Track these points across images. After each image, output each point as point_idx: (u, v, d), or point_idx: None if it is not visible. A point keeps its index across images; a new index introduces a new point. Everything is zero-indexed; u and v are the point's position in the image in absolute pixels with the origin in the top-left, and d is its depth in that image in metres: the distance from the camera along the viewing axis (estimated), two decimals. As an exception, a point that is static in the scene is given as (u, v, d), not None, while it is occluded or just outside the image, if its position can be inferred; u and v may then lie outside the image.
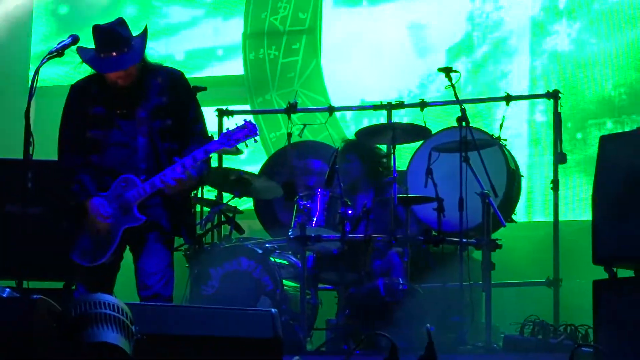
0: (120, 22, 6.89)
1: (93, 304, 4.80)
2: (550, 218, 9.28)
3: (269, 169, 9.71)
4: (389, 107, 9.81)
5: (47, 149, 6.96)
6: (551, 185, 9.16)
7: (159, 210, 6.89)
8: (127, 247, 7.01)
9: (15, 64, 12.23)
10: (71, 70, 7.23)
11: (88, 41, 6.84)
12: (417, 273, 8.60)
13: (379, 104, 10.03)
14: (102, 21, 6.95)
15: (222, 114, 10.20)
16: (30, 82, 6.75)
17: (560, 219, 9.13)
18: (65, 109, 7.04)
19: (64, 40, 6.80)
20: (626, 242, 6.76)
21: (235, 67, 12.23)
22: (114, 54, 6.78)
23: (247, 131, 7.00)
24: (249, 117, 9.27)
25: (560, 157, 9.10)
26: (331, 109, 10.34)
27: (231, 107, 10.36)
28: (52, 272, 7.53)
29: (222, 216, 9.44)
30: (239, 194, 9.47)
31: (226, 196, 9.61)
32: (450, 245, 8.78)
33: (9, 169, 7.99)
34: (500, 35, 11.43)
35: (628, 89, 10.92)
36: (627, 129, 8.75)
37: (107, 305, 4.80)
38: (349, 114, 11.40)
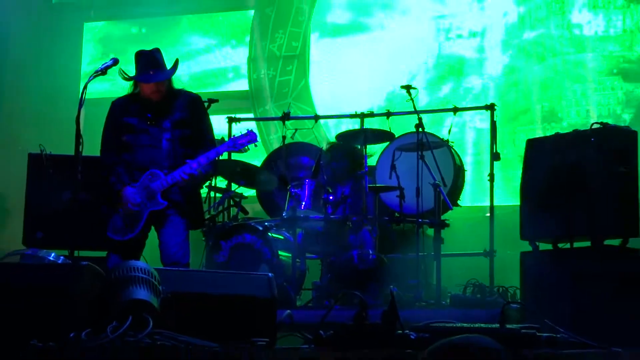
0: (157, 50, 7.09)
1: (129, 268, 4.81)
2: (487, 203, 9.27)
3: (268, 163, 9.69)
4: (362, 116, 9.78)
5: (93, 148, 7.01)
6: (488, 178, 9.15)
7: (177, 196, 6.94)
8: (152, 227, 7.06)
9: (68, 81, 12.20)
10: (112, 86, 7.29)
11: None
12: (383, 246, 8.60)
13: (354, 113, 10.00)
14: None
15: (231, 120, 10.15)
16: (80, 95, 6.74)
17: (495, 203, 9.11)
18: (107, 118, 7.14)
19: (106, 62, 6.86)
20: (545, 223, 6.78)
21: (242, 84, 12.21)
22: (151, 72, 6.91)
23: (250, 138, 7.15)
24: (252, 124, 9.29)
25: (494, 156, 9.08)
26: (316, 117, 10.32)
27: (238, 116, 10.31)
28: (96, 244, 7.51)
29: (231, 201, 9.44)
30: (244, 184, 9.53)
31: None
32: (409, 224, 8.78)
33: (63, 163, 7.99)
34: (450, 61, 11.43)
35: (548, 103, 10.95)
36: (548, 134, 8.73)
37: (140, 269, 4.81)
38: (330, 121, 11.38)
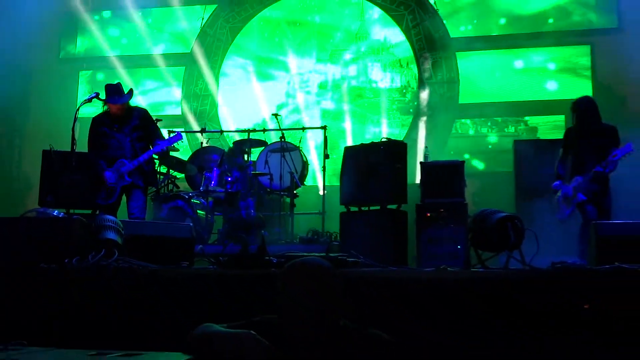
0: (119, 84, 6.92)
1: (104, 219, 4.69)
2: (321, 184, 9.35)
3: (191, 159, 9.55)
4: (248, 130, 9.74)
5: (82, 147, 6.83)
6: (322, 169, 9.23)
7: (137, 176, 6.84)
8: (124, 195, 6.94)
9: (68, 106, 11.79)
10: (96, 109, 7.14)
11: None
12: (259, 208, 8.60)
13: (244, 129, 9.96)
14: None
15: (170, 132, 9.92)
16: (74, 114, 6.61)
17: (326, 184, 9.21)
18: (90, 129, 7.04)
19: (91, 94, 6.81)
20: (354, 195, 6.89)
21: (177, 111, 12.00)
22: (116, 97, 6.77)
23: (177, 137, 7.18)
24: (183, 133, 9.14)
25: (326, 156, 9.14)
26: (221, 131, 10.28)
27: (175, 129, 10.11)
28: (84, 205, 7.33)
29: (169, 180, 9.28)
30: (178, 170, 9.36)
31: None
32: (275, 195, 8.80)
33: (64, 156, 7.75)
34: (301, 99, 11.48)
35: (358, 125, 11.12)
36: (356, 144, 8.87)
37: (110, 220, 4.69)
38: (231, 133, 11.28)
